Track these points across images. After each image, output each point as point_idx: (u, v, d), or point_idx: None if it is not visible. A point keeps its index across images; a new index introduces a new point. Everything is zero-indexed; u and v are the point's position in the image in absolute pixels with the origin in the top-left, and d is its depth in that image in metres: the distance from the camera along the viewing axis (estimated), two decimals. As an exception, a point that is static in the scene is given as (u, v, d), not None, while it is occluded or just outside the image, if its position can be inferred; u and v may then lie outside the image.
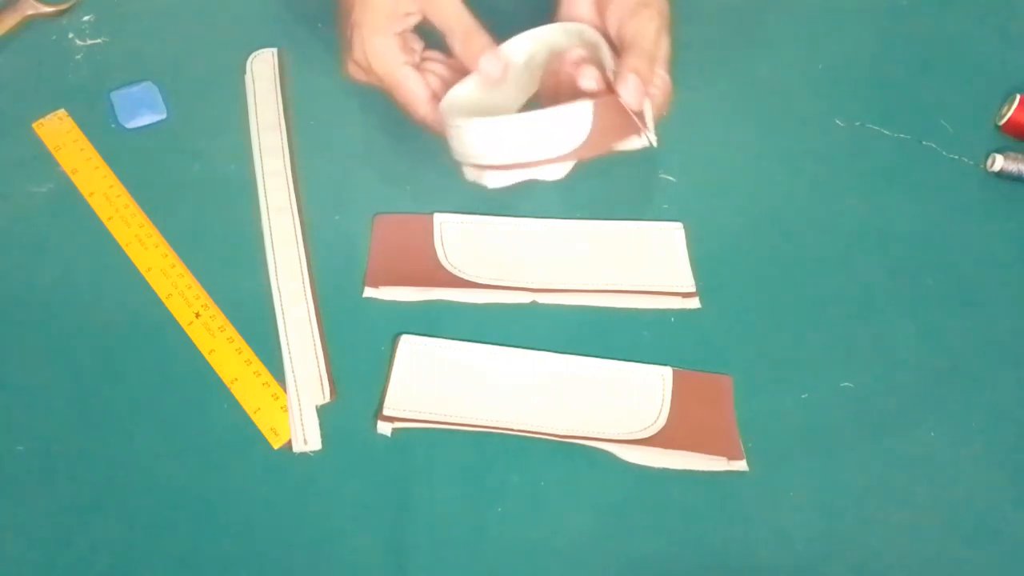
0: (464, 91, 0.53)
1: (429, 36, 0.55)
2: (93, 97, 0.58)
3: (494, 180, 0.50)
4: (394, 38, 0.53)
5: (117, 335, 0.50)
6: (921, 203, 0.58)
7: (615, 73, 0.49)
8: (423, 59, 0.55)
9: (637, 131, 0.50)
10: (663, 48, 0.52)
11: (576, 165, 0.50)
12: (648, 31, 0.50)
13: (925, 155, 0.60)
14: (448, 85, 0.53)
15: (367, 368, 0.49)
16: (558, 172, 0.50)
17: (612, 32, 0.52)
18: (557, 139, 0.48)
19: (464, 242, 0.54)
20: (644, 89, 0.48)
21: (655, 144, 0.50)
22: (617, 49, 0.52)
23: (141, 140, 0.57)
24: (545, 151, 0.48)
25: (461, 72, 0.53)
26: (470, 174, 0.51)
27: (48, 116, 0.57)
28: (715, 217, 0.56)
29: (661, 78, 0.51)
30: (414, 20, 0.53)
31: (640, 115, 0.49)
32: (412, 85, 0.52)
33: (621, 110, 0.48)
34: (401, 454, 0.47)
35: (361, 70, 0.55)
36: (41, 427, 0.47)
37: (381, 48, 0.52)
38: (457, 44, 0.52)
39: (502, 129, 0.48)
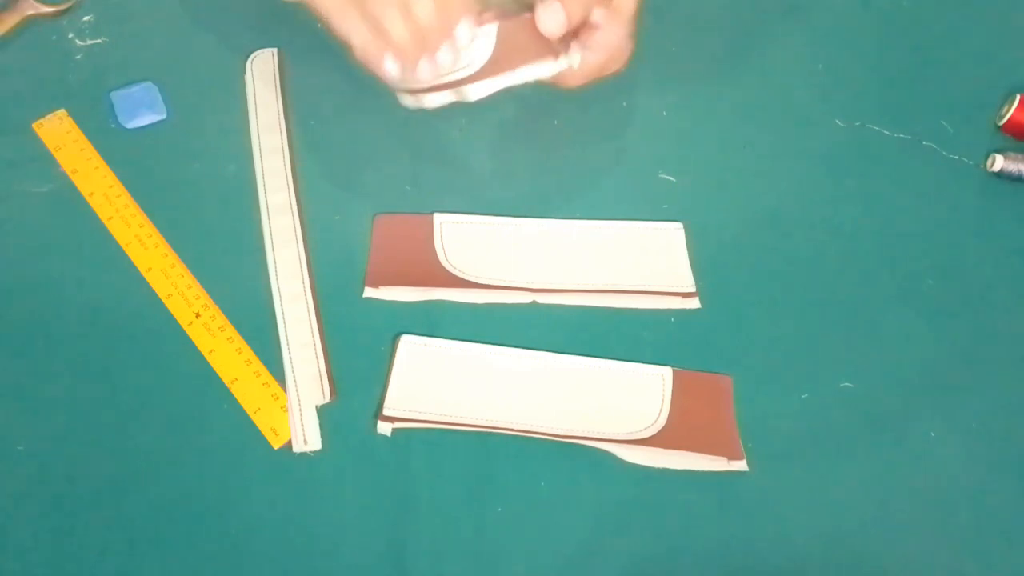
0: None
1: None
2: (93, 97, 0.58)
3: (430, 101, 0.50)
4: None
5: (117, 335, 0.50)
6: (921, 203, 0.58)
7: None
8: None
9: (551, 54, 0.50)
10: (627, 5, 0.51)
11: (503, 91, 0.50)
12: None
13: (925, 155, 0.60)
14: None
15: (367, 368, 0.49)
16: (481, 92, 0.50)
17: None
18: (465, 56, 0.48)
19: (464, 242, 0.54)
20: (567, 21, 0.48)
21: (575, 66, 0.50)
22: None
23: (141, 140, 0.57)
24: (451, 66, 0.48)
25: None
26: (407, 100, 0.51)
27: (48, 116, 0.57)
28: (715, 217, 0.56)
29: (614, 34, 0.51)
30: None
31: (556, 41, 0.49)
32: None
33: (531, 29, 0.48)
34: (401, 454, 0.47)
35: None
36: (41, 427, 0.47)
37: None
38: None
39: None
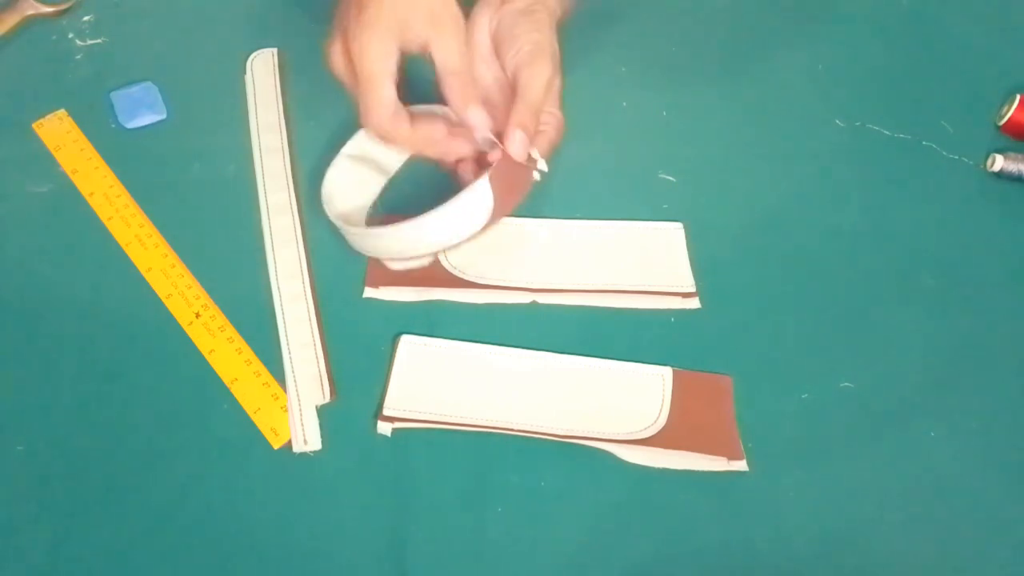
0: (341, 170, 0.54)
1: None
2: (93, 97, 0.58)
3: (422, 263, 0.52)
4: (393, 44, 0.51)
5: (117, 335, 0.50)
6: (921, 203, 0.58)
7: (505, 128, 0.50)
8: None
9: (530, 173, 0.51)
10: (555, 88, 0.53)
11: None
12: (537, 84, 0.51)
13: (925, 155, 0.60)
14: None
15: (367, 368, 0.49)
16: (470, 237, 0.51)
17: (507, 72, 0.53)
18: (470, 220, 0.49)
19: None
20: (529, 140, 0.50)
21: (546, 170, 0.52)
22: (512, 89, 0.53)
23: (141, 140, 0.57)
24: (460, 234, 0.49)
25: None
26: (396, 265, 0.52)
27: (48, 116, 0.57)
28: (715, 217, 0.56)
29: (553, 115, 0.53)
30: (414, 46, 0.51)
31: (530, 159, 0.51)
32: (385, 91, 0.50)
33: (512, 164, 0.49)
34: (401, 454, 0.47)
35: (342, 63, 0.52)
36: (41, 427, 0.47)
37: (377, 47, 0.50)
38: (455, 86, 0.50)
39: (410, 233, 0.49)
